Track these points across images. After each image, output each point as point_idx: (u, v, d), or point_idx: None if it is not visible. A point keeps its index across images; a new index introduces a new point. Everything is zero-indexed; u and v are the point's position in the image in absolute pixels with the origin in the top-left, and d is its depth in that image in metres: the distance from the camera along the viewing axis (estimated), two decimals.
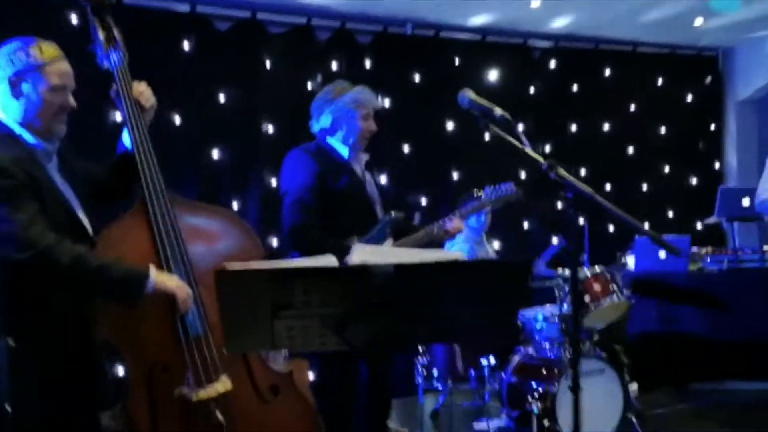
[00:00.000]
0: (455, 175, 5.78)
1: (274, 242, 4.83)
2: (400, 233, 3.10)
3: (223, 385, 2.29)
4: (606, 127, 6.57)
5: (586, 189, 2.04)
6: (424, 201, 5.64)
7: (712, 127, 7.18)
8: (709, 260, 5.00)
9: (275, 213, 4.80)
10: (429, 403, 4.69)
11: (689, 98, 7.05)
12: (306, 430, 2.49)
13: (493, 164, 5.92)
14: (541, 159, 2.12)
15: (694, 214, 6.71)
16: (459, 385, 3.96)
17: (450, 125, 5.78)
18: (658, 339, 4.95)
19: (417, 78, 5.65)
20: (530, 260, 1.93)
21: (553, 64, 6.31)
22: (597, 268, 3.96)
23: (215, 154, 4.74)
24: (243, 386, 2.39)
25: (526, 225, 6.13)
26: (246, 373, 2.42)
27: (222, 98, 4.80)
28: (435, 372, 3.91)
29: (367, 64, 5.42)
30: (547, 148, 6.29)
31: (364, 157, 3.18)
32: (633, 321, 5.12)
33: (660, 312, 4.95)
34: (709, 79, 7.17)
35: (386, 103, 5.47)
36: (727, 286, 4.87)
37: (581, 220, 5.02)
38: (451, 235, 3.19)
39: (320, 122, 3.09)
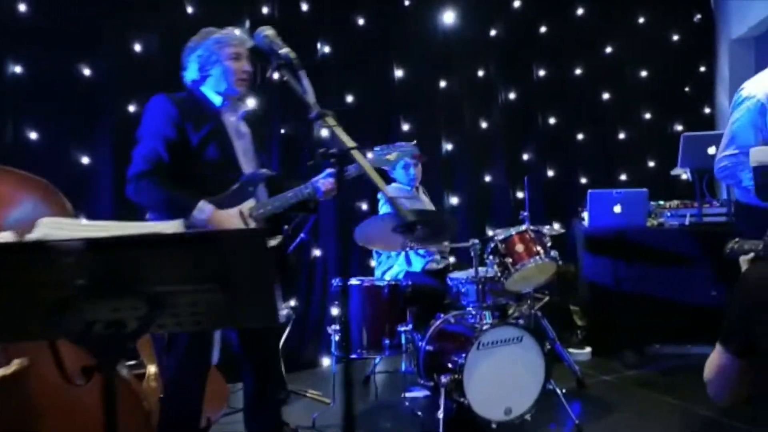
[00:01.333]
0: (405, 127, 5.39)
1: None
2: (276, 192, 2.79)
3: (13, 366, 2.04)
4: (578, 70, 6.10)
5: (348, 142, 1.69)
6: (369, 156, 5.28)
7: (702, 68, 6.64)
8: (669, 215, 4.58)
9: None
10: (359, 369, 4.45)
11: (675, 37, 6.51)
12: (128, 412, 2.23)
13: (448, 114, 5.55)
14: (316, 109, 1.76)
15: None
16: (375, 354, 3.67)
17: (399, 73, 5.37)
18: (616, 299, 4.59)
19: (360, 21, 5.23)
20: (263, 230, 1.63)
21: (517, 3, 5.83)
22: (523, 227, 3.60)
23: (132, 107, 4.42)
24: (46, 368, 2.14)
25: (487, 178, 5.74)
26: (51, 354, 2.16)
27: (137, 48, 4.46)
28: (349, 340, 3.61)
29: (303, 6, 5.01)
30: (512, 95, 5.85)
31: (244, 106, 2.86)
32: (589, 280, 4.78)
33: (616, 271, 4.57)
34: (698, 16, 6.60)
35: (326, 49, 5.08)
36: (686, 243, 4.46)
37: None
38: (327, 196, 2.85)
39: (189, 72, 2.80)
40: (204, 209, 2.55)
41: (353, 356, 3.67)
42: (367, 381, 4.33)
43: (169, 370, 2.73)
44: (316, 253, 4.85)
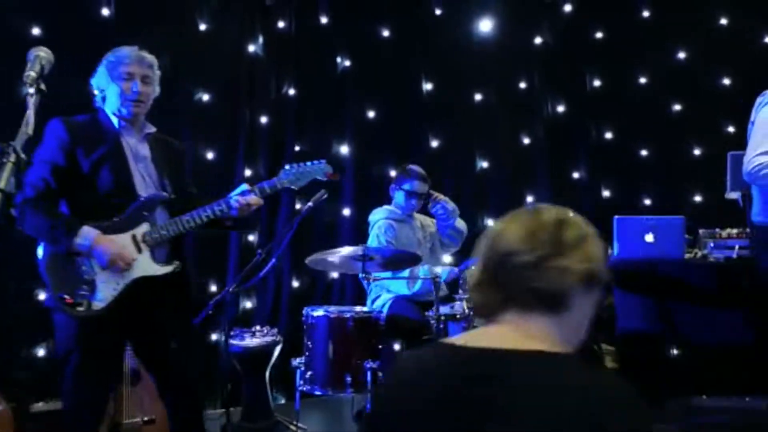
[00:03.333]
0: (434, 143, 5.06)
1: None
2: (181, 212, 2.66)
3: None
4: (642, 79, 5.46)
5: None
6: (393, 173, 4.99)
7: None
8: (713, 245, 3.94)
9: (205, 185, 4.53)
10: (346, 404, 4.17)
11: (766, 39, 5.69)
12: None
13: (484, 129, 5.17)
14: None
15: None
16: (338, 391, 3.39)
17: (427, 86, 5.05)
18: (650, 341, 4.00)
19: (385, 33, 4.97)
20: None
21: (568, 6, 5.32)
22: None
23: None
24: None
25: (530, 198, 5.27)
26: None
27: None
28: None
29: (323, 19, 4.84)
30: (560, 108, 5.35)
31: (149, 127, 2.74)
32: (621, 317, 4.21)
33: (649, 309, 3.98)
34: None
35: (347, 63, 4.88)
36: (732, 279, 3.80)
37: None
38: (243, 213, 2.67)
39: (96, 92, 2.72)
40: (87, 235, 2.45)
41: (317, 392, 3.42)
42: (360, 416, 4.04)
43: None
44: (295, 283, 4.65)
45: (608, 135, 5.40)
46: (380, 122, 4.94)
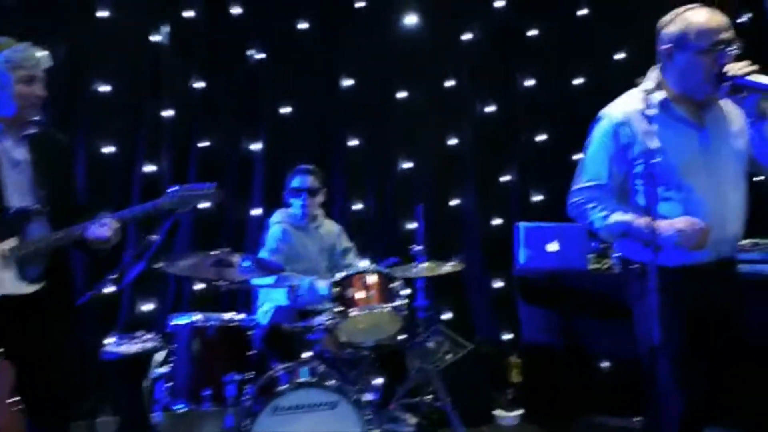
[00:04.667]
0: (353, 142, 4.84)
1: None
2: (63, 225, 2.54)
3: None
4: (578, 80, 5.22)
5: None
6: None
7: None
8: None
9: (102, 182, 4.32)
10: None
11: None
12: None
13: (408, 129, 4.94)
14: None
15: None
16: (195, 405, 3.17)
17: (348, 82, 4.83)
18: (552, 356, 3.79)
19: (303, 25, 4.75)
20: None
21: (501, 2, 5.08)
22: (363, 266, 2.99)
23: None
24: None
25: (454, 202, 5.04)
26: None
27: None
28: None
29: (235, 8, 4.62)
30: (491, 108, 5.11)
31: (28, 129, 2.58)
32: (525, 330, 4.00)
33: (552, 321, 3.77)
34: (747, 16, 5.49)
35: (262, 55, 4.66)
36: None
37: None
38: (94, 246, 2.51)
39: None
40: None
41: (177, 406, 3.20)
42: None
43: None
44: (199, 286, 4.44)
45: (541, 137, 5.17)
46: (296, 118, 4.72)
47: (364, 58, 4.84)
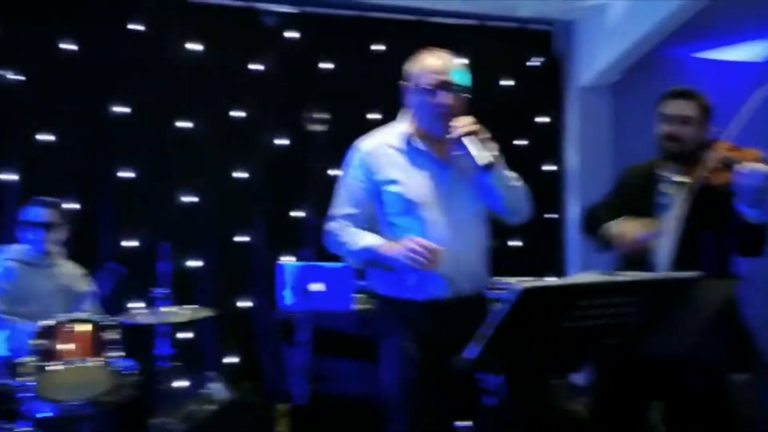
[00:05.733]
0: (127, 174, 4.47)
1: None
2: None
3: None
4: (374, 114, 5.15)
5: None
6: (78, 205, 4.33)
7: (543, 119, 5.72)
8: None
9: None
10: None
11: (505, 83, 5.59)
12: None
13: (185, 160, 4.63)
14: None
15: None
16: None
17: (121, 109, 4.47)
18: (321, 401, 3.57)
19: (71, 46, 4.36)
20: None
21: (293, 33, 4.94)
22: (76, 315, 2.65)
23: None
24: None
25: (242, 238, 4.78)
26: None
27: None
28: None
29: None
30: (283, 141, 4.91)
31: None
32: (292, 375, 3.77)
33: (318, 365, 3.57)
34: (539, 60, 5.70)
35: (20, 78, 4.22)
36: None
37: None
38: None
39: None
40: None
41: None
42: None
43: None
44: None
45: (333, 171, 5.03)
46: (57, 147, 4.29)
47: (140, 84, 4.51)
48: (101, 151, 4.42)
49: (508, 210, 2.58)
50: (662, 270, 2.71)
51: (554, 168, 5.70)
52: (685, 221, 2.70)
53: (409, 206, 2.46)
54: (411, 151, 2.52)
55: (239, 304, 4.70)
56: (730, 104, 6.42)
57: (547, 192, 5.46)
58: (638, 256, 2.67)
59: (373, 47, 5.14)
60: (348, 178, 2.57)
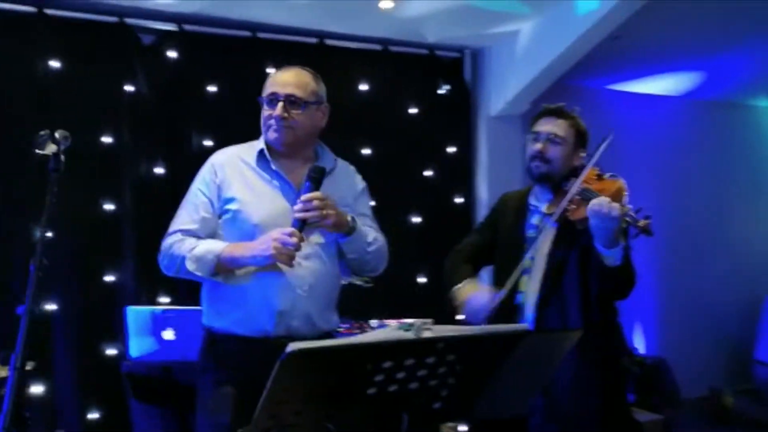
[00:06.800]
0: None
1: None
2: None
3: None
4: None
5: None
6: None
7: (451, 149, 5.43)
8: None
9: None
10: None
11: (411, 111, 5.29)
12: None
13: (41, 190, 4.10)
14: None
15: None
16: None
17: None
18: None
19: None
20: None
21: (173, 53, 4.53)
22: None
23: None
24: None
25: (110, 278, 4.27)
26: None
27: None
28: None
29: None
30: (158, 170, 4.46)
31: None
32: None
33: (168, 423, 3.09)
34: (446, 88, 5.43)
35: None
36: None
37: None
38: None
39: None
40: None
41: None
42: None
43: None
44: None
45: None
46: None
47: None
48: None
49: (353, 270, 2.40)
50: (529, 313, 2.40)
51: (463, 200, 5.40)
52: (548, 259, 2.39)
53: (252, 229, 2.25)
54: (264, 169, 2.33)
55: (108, 352, 4.16)
56: (645, 137, 6.37)
57: (457, 225, 5.14)
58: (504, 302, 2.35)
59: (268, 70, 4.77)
60: (193, 190, 2.37)
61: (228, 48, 4.67)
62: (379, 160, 5.10)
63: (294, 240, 2.09)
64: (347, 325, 3.08)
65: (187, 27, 4.51)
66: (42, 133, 1.77)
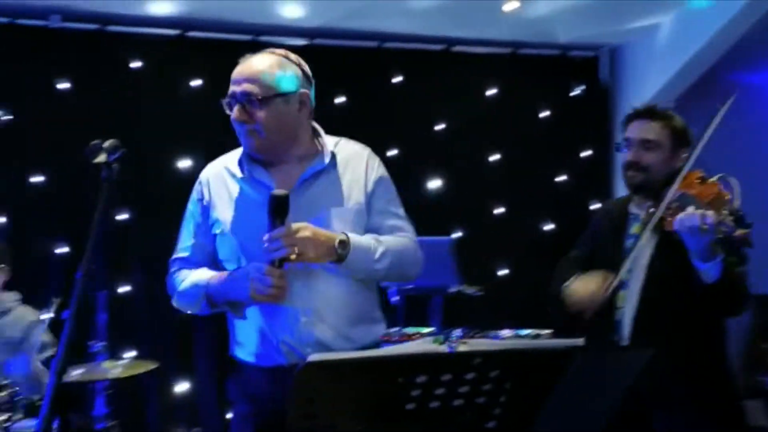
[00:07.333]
0: None
1: None
2: None
3: None
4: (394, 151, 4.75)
5: None
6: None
7: (586, 153, 5.18)
8: None
9: None
10: None
11: (543, 114, 5.11)
12: None
13: None
14: None
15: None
16: None
17: None
18: None
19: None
20: None
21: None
22: None
23: None
24: None
25: None
26: None
27: None
28: None
29: None
30: None
31: None
32: None
33: None
34: (581, 88, 5.19)
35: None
36: None
37: None
38: None
39: None
40: None
41: None
42: None
43: None
44: None
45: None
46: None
47: None
48: None
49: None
50: (625, 330, 2.17)
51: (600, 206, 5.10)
52: (647, 271, 2.15)
53: (238, 248, 1.93)
54: (248, 179, 1.95)
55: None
56: None
57: None
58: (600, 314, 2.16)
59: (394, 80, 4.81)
60: (188, 211, 2.06)
61: (354, 59, 4.73)
62: (508, 166, 4.96)
63: (271, 279, 1.76)
64: (460, 334, 2.97)
65: (317, 41, 4.61)
66: (94, 142, 1.65)
